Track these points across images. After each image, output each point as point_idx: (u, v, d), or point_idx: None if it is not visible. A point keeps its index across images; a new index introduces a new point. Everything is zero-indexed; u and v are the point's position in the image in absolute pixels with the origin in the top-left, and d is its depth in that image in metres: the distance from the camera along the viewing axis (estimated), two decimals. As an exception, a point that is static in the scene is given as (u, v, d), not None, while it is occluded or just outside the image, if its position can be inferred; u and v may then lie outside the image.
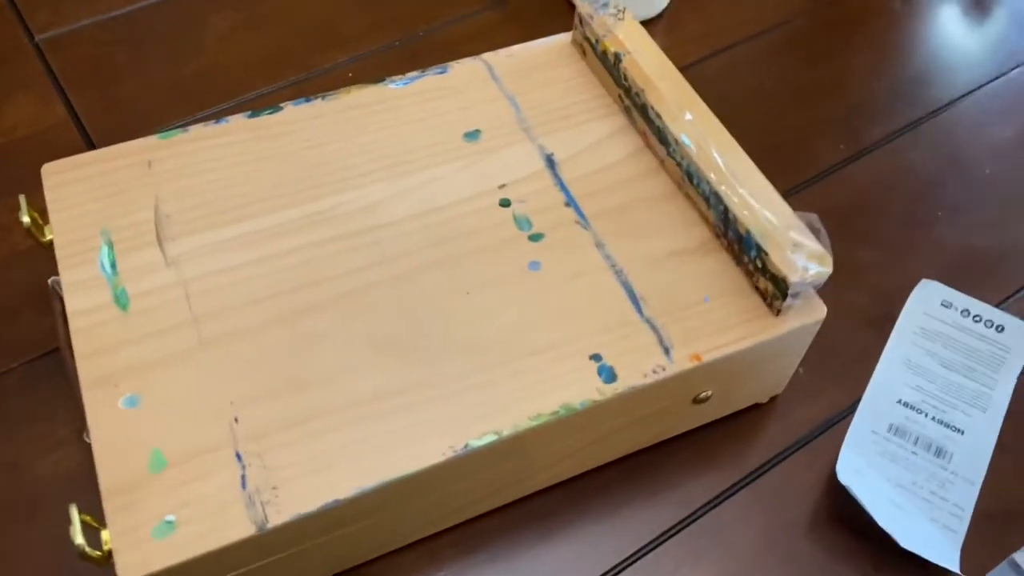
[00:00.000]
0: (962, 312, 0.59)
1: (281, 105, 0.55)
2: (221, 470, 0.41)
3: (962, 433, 0.54)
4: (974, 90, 0.74)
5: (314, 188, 0.52)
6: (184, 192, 0.51)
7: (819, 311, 0.47)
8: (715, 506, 0.51)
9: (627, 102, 0.55)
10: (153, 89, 0.70)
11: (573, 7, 0.77)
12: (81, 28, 0.74)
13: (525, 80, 0.58)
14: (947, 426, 0.54)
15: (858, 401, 0.55)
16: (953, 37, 0.79)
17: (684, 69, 0.74)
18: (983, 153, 0.70)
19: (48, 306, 0.54)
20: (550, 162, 0.54)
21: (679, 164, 0.51)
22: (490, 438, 0.42)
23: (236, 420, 0.43)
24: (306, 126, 0.55)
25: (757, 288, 0.48)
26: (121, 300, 0.46)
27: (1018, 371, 0.56)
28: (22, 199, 0.49)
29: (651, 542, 0.50)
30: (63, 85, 0.70)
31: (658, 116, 0.52)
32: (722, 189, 0.48)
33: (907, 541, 0.48)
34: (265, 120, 0.55)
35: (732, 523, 0.50)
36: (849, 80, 0.74)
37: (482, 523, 0.49)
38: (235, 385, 0.44)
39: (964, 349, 0.57)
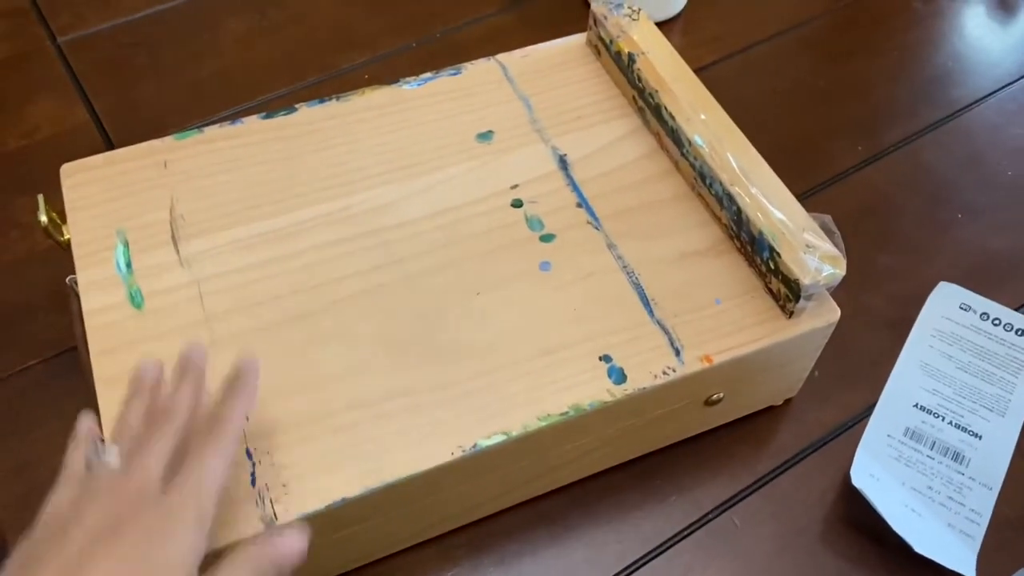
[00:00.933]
0: (981, 315, 0.58)
1: (296, 106, 0.56)
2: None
3: (980, 438, 0.53)
4: (996, 91, 0.73)
5: (327, 189, 0.52)
6: (199, 192, 0.51)
7: (833, 313, 0.47)
8: (726, 510, 0.51)
9: (641, 103, 0.55)
10: (172, 91, 0.71)
11: (589, 7, 0.77)
12: (101, 31, 0.75)
13: (539, 81, 0.58)
14: (964, 430, 0.53)
15: (874, 404, 0.54)
16: (975, 37, 0.78)
17: (701, 70, 0.73)
18: (1004, 155, 0.69)
19: (66, 305, 0.54)
20: (563, 163, 0.54)
21: (692, 165, 0.51)
22: (499, 438, 0.42)
23: (246, 418, 0.43)
24: (320, 127, 0.55)
25: (770, 290, 0.47)
26: (136, 299, 0.47)
27: (1038, 375, 0.56)
28: (40, 199, 0.49)
29: (660, 545, 0.49)
30: (84, 87, 0.71)
31: (672, 117, 0.52)
32: (735, 190, 0.48)
33: (923, 547, 0.47)
34: (280, 121, 0.55)
35: (744, 527, 0.50)
36: (868, 81, 0.74)
37: (492, 524, 0.49)
38: (246, 384, 0.44)
39: (982, 352, 0.56)
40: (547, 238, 0.50)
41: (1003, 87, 0.74)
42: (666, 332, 0.46)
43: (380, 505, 0.42)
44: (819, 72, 0.74)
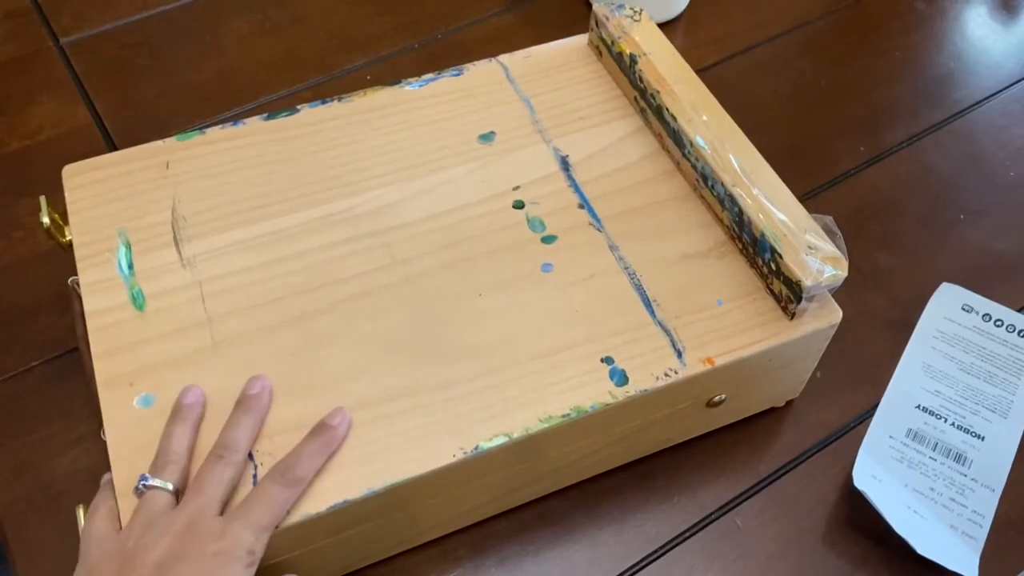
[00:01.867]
0: (983, 316, 0.58)
1: (298, 107, 0.56)
2: (233, 469, 0.41)
3: (982, 439, 0.53)
4: (998, 92, 0.73)
5: (328, 190, 0.52)
6: (200, 193, 0.51)
7: (835, 315, 0.47)
8: (729, 511, 0.51)
9: (643, 104, 0.55)
10: (174, 92, 0.71)
11: (590, 8, 0.77)
12: (103, 32, 0.75)
13: (541, 81, 0.58)
14: (967, 432, 0.53)
15: (876, 406, 0.54)
16: (977, 38, 0.78)
17: (703, 71, 0.73)
18: (1006, 156, 0.69)
19: (68, 306, 0.54)
20: (564, 164, 0.53)
21: (694, 166, 0.51)
22: (501, 440, 0.42)
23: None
24: (322, 128, 0.55)
25: (772, 291, 0.47)
26: (137, 300, 0.47)
27: (1041, 377, 0.56)
28: (42, 200, 0.49)
29: (663, 547, 0.49)
30: (86, 88, 0.71)
31: (673, 118, 0.52)
32: (736, 191, 0.48)
33: (925, 548, 0.47)
34: (281, 122, 0.55)
35: (746, 528, 0.50)
36: (870, 82, 0.74)
37: (495, 525, 0.49)
38: (248, 385, 0.44)
39: (985, 354, 0.56)
40: (549, 239, 0.50)
41: (1005, 88, 0.74)
42: (668, 334, 0.46)
43: (382, 507, 0.42)
44: (821, 73, 0.74)
